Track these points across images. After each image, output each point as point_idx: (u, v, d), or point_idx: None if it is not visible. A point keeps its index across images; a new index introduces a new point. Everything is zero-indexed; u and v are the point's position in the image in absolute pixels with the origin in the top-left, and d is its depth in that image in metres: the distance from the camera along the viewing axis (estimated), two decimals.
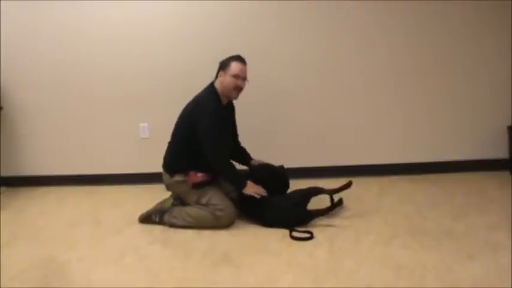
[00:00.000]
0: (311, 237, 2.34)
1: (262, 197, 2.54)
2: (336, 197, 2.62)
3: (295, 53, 3.22)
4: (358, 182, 3.17)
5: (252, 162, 2.86)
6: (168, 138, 2.70)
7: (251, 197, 2.54)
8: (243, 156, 2.89)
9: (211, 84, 2.62)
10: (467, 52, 3.16)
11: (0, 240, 2.50)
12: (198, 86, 2.66)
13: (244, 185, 2.56)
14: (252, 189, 2.56)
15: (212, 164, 2.52)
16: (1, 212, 2.99)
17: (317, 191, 2.62)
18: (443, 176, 3.21)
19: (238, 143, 2.90)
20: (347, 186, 2.61)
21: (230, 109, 2.78)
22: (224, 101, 2.63)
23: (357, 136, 3.32)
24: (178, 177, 2.59)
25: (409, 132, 3.30)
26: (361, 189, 3.05)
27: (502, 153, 3.25)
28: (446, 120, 3.26)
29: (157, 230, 2.57)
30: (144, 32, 3.23)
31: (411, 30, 3.15)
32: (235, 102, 2.77)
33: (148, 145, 3.36)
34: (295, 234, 2.38)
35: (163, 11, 3.19)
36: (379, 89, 3.25)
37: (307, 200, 2.57)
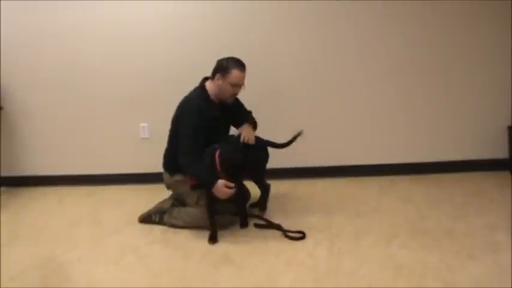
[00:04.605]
0: (303, 237, 2.35)
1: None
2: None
3: (295, 53, 3.21)
4: (358, 182, 3.19)
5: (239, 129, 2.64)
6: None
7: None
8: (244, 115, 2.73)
9: (202, 82, 2.57)
10: (467, 52, 3.16)
11: (0, 240, 2.51)
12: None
13: (213, 184, 2.34)
14: (222, 191, 2.33)
15: (179, 160, 2.45)
16: (1, 212, 2.99)
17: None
18: (443, 176, 3.21)
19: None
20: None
21: (227, 108, 2.62)
22: (216, 100, 2.56)
23: (356, 136, 3.32)
24: (178, 177, 2.59)
25: (409, 132, 3.29)
26: (361, 189, 3.05)
27: (502, 153, 3.25)
28: (446, 120, 3.26)
29: (157, 230, 2.57)
30: (145, 32, 3.23)
31: (411, 30, 3.14)
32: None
33: (148, 145, 3.35)
34: (288, 234, 2.38)
35: (163, 10, 3.19)
36: (379, 89, 3.24)
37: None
